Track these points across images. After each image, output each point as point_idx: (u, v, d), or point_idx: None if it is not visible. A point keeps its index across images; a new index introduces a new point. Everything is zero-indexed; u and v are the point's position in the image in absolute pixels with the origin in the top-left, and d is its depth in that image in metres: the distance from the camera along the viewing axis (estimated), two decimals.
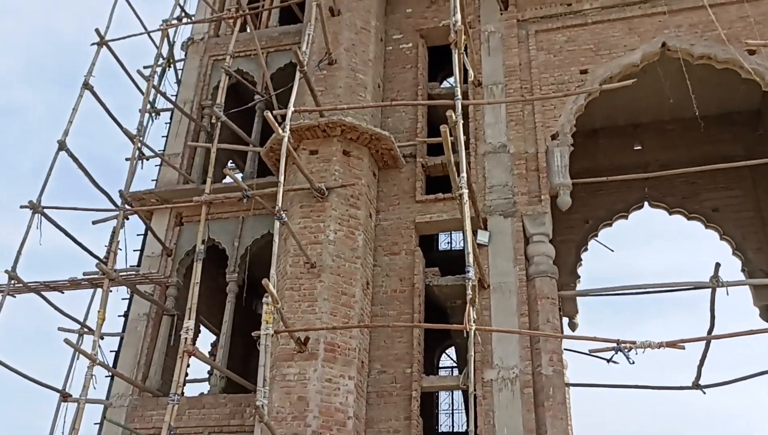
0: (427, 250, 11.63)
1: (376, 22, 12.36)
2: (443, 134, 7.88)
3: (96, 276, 11.17)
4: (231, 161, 14.98)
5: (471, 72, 10.60)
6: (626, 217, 15.11)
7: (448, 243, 15.82)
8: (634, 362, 6.53)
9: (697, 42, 11.25)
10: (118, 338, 12.19)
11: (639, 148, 15.16)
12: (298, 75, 10.01)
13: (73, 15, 67.83)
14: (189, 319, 9.54)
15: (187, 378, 12.78)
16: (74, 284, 11.36)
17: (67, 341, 9.79)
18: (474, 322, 7.11)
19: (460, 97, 8.79)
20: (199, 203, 10.64)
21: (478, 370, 9.12)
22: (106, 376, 12.62)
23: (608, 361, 6.73)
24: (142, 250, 13.60)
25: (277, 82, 12.93)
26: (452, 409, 15.03)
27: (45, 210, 11.28)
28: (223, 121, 11.18)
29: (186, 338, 9.35)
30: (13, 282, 10.71)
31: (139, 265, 13.26)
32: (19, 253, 10.86)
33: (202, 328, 13.72)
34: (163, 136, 14.53)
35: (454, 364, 15.13)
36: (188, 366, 9.94)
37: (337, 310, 9.53)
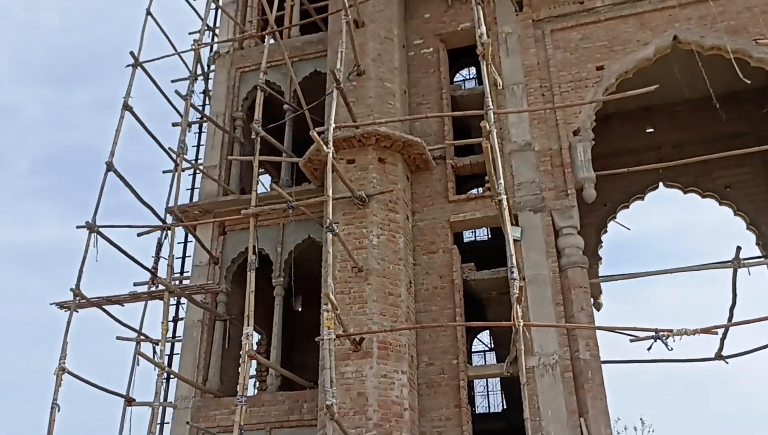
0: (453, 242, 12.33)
1: (398, 31, 12.95)
2: (485, 150, 8.52)
3: (155, 289, 11.89)
4: (262, 168, 15.64)
5: (499, 81, 11.20)
6: (642, 199, 15.79)
7: (472, 233, 16.49)
8: (672, 349, 7.24)
9: (707, 34, 11.83)
10: (169, 343, 13.01)
11: (651, 130, 15.80)
12: (335, 93, 10.61)
13: (58, 11, 67.97)
14: (248, 325, 10.32)
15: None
16: (134, 297, 12.09)
17: (141, 354, 10.60)
18: (521, 318, 7.84)
19: (492, 107, 9.39)
20: (246, 216, 11.31)
21: (518, 356, 9.86)
22: (163, 379, 13.51)
23: (648, 349, 7.44)
24: (183, 259, 14.39)
25: (303, 91, 13.53)
26: (488, 391, 15.86)
27: (100, 229, 11.98)
28: (262, 136, 11.82)
29: (247, 344, 10.15)
30: (78, 298, 11.44)
31: (181, 272, 14.08)
32: (80, 271, 11.57)
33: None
34: (193, 146, 15.27)
35: (487, 348, 15.93)
36: (261, 371, 10.64)
37: (385, 310, 10.27)
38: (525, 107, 12.03)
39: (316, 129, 10.24)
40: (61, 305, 11.74)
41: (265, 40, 13.21)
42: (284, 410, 11.19)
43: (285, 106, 13.91)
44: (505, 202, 8.69)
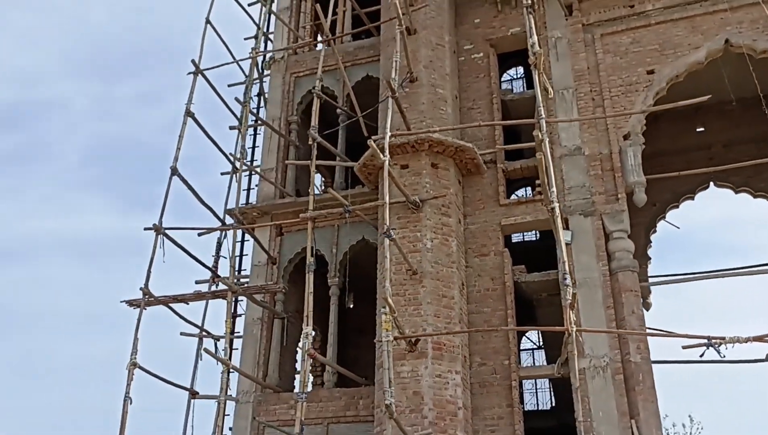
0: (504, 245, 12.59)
1: (449, 37, 13.24)
2: (539, 162, 8.79)
3: (217, 288, 12.49)
4: (316, 170, 16.13)
5: (550, 89, 11.39)
6: (692, 198, 15.81)
7: (520, 234, 16.69)
8: (724, 356, 7.46)
9: (759, 37, 11.84)
10: (226, 339, 13.61)
11: (701, 130, 15.78)
12: (390, 100, 10.97)
13: (105, 7, 69.97)
14: (307, 325, 10.83)
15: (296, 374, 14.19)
16: (199, 296, 12.72)
17: (207, 351, 11.21)
18: (573, 323, 8.14)
19: (543, 116, 9.63)
20: (305, 219, 11.79)
21: (570, 360, 10.14)
22: (221, 373, 14.16)
23: (700, 356, 7.66)
24: (241, 258, 14.98)
25: (355, 94, 13.93)
26: (536, 389, 16.13)
27: (166, 231, 12.61)
28: (319, 142, 12.27)
29: (306, 343, 10.66)
30: (147, 297, 12.10)
31: (239, 271, 14.68)
32: (149, 270, 12.21)
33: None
34: (249, 148, 15.84)
35: (535, 346, 16.18)
36: (315, 368, 11.12)
37: (439, 311, 10.65)
38: (575, 112, 12.22)
39: (373, 137, 10.64)
40: (131, 303, 12.43)
41: (320, 46, 13.63)
42: (341, 406, 11.68)
43: (338, 111, 14.35)
44: (558, 211, 8.95)
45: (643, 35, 12.56)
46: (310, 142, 12.27)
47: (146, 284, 12.18)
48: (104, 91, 70.66)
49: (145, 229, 12.69)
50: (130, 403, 11.33)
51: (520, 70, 18.15)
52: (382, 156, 10.32)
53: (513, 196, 13.57)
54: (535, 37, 10.01)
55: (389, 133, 10.58)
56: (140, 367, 11.62)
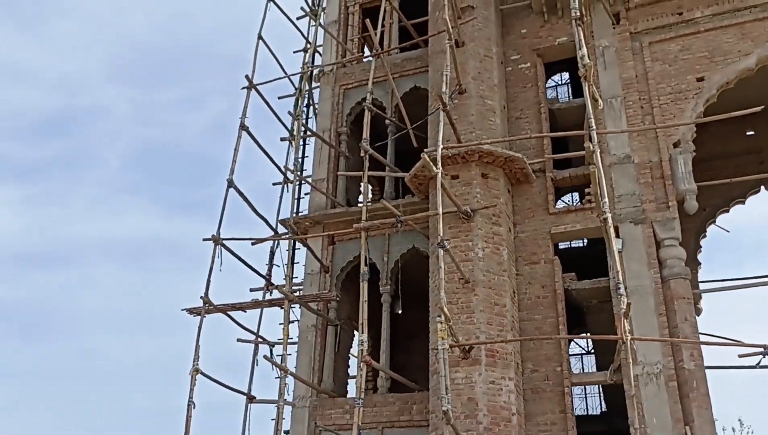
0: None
1: (496, 48, 13.45)
2: (592, 174, 8.96)
3: (274, 296, 12.93)
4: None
5: (600, 100, 11.51)
6: (743, 202, 15.70)
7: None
8: None
9: None
10: (284, 346, 14.04)
11: (751, 133, 15.67)
12: (441, 114, 11.24)
13: (145, 14, 71.92)
14: (362, 333, 11.19)
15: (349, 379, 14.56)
16: (256, 304, 13.18)
17: (266, 358, 11.65)
18: (629, 332, 8.30)
19: (594, 127, 9.79)
20: (357, 229, 12.14)
21: (624, 367, 10.28)
22: (276, 377, 14.61)
23: (756, 365, 7.76)
24: (292, 265, 15.40)
25: (404, 105, 14.22)
26: (585, 394, 16.19)
27: (223, 241, 13.10)
28: (371, 154, 12.61)
29: (362, 350, 11.00)
30: (206, 305, 12.59)
31: (291, 278, 15.10)
32: (208, 280, 12.72)
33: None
34: (299, 158, 16.29)
35: (583, 351, 16.24)
36: (367, 372, 11.44)
37: (492, 319, 10.88)
38: (624, 120, 12.32)
39: (425, 150, 10.93)
40: (191, 311, 12.93)
41: (369, 59, 13.96)
42: (395, 411, 11.98)
43: (387, 122, 14.67)
44: (610, 221, 9.10)
45: (692, 42, 12.59)
46: (361, 154, 12.62)
47: (206, 293, 12.67)
48: (145, 97, 72.67)
49: (204, 239, 13.22)
50: (194, 408, 11.82)
51: (565, 75, 18.25)
52: (434, 168, 10.60)
53: (561, 204, 13.71)
54: (585, 49, 10.18)
55: (441, 147, 10.86)
56: (202, 373, 12.11)
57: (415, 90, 14.75)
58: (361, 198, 16.14)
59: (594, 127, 9.77)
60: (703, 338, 10.30)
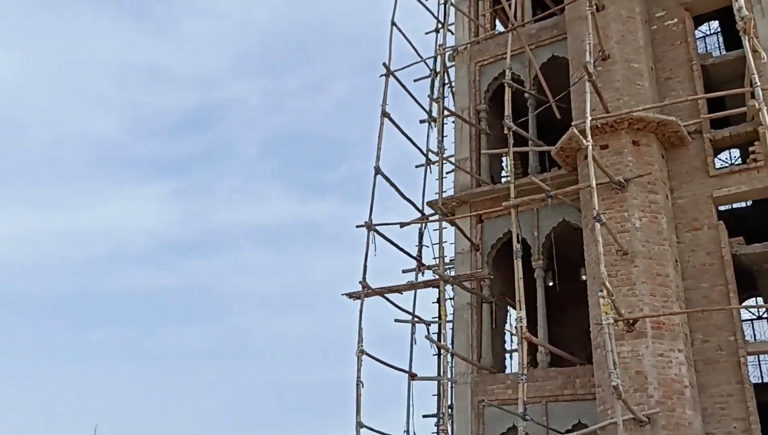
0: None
1: (639, 8, 12.88)
2: (761, 135, 8.49)
3: (431, 278, 13.31)
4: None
5: (763, 54, 10.76)
6: None
7: None
8: None
9: None
10: (443, 325, 14.41)
11: None
12: (587, 84, 10.99)
13: (267, 6, 74.71)
14: (519, 310, 11.30)
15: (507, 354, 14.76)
16: (412, 286, 13.64)
17: (428, 338, 12.09)
18: None
19: (758, 83, 9.22)
20: (507, 207, 12.20)
21: None
22: (434, 355, 15.09)
23: None
24: (441, 245, 15.72)
25: (542, 76, 13.99)
26: (758, 361, 15.36)
27: (376, 227, 13.61)
28: (514, 130, 12.57)
29: (521, 327, 11.12)
30: (365, 289, 13.18)
31: (440, 258, 15.44)
32: (365, 265, 13.30)
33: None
34: (437, 139, 16.50)
35: (754, 317, 15.38)
36: (528, 348, 11.52)
37: (655, 290, 10.61)
38: None
39: (573, 123, 10.76)
40: (351, 295, 13.58)
41: (503, 33, 13.84)
42: (558, 385, 12.02)
43: (526, 95, 14.50)
44: None
45: None
46: (505, 132, 12.60)
47: (363, 277, 13.25)
48: (274, 86, 76.07)
49: (357, 226, 13.78)
50: (362, 387, 12.48)
51: (714, 24, 17.16)
52: (584, 141, 10.43)
53: (722, 165, 12.98)
54: (742, 1, 9.58)
55: (590, 118, 10.65)
56: (367, 354, 12.74)
57: (553, 60, 14.45)
58: (504, 174, 16.15)
59: (758, 84, 9.21)
60: None
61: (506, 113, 12.65)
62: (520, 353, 11.09)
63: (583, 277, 13.45)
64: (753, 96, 9.47)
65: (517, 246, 11.78)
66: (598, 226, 10.05)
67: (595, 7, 12.62)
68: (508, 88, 12.91)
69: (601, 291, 9.60)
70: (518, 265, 11.55)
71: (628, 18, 12.65)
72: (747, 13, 9.47)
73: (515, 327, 11.34)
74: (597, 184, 11.47)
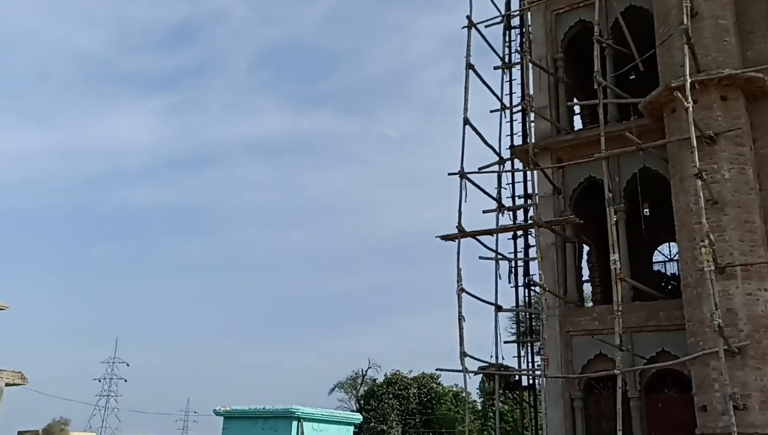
0: None
1: None
2: None
3: (522, 223, 14.49)
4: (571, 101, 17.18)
5: None
6: None
7: None
8: None
9: None
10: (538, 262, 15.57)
11: None
12: (687, 49, 11.79)
13: None
14: (613, 253, 12.52)
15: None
16: (503, 229, 14.84)
17: (533, 281, 13.25)
18: None
19: None
20: (598, 158, 13.20)
21: None
22: (511, 287, 16.48)
23: None
24: (525, 191, 16.81)
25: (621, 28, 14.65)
26: None
27: (467, 175, 14.67)
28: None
29: (615, 268, 12.38)
30: (460, 233, 14.37)
31: (524, 199, 16.60)
32: (459, 211, 14.44)
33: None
34: (508, 84, 17.37)
35: None
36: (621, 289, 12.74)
37: (743, 236, 11.81)
38: None
39: (673, 83, 11.65)
40: (446, 238, 14.76)
41: None
42: (642, 317, 13.39)
43: (603, 45, 15.18)
44: None
45: None
46: (595, 87, 13.45)
47: (459, 222, 14.42)
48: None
49: (449, 174, 14.85)
50: (464, 321, 13.86)
51: None
52: (685, 102, 11.37)
53: None
54: None
55: (689, 80, 11.53)
56: (466, 292, 14.08)
57: (631, 9, 15.07)
58: (577, 123, 17.07)
59: None
60: None
61: (596, 69, 13.44)
62: (615, 292, 12.37)
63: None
64: None
65: (608, 195, 12.88)
66: (699, 182, 11.14)
67: None
68: (597, 45, 13.65)
69: (704, 241, 10.81)
70: (610, 212, 12.68)
71: None
72: None
73: (611, 269, 12.58)
74: (686, 139, 12.50)
